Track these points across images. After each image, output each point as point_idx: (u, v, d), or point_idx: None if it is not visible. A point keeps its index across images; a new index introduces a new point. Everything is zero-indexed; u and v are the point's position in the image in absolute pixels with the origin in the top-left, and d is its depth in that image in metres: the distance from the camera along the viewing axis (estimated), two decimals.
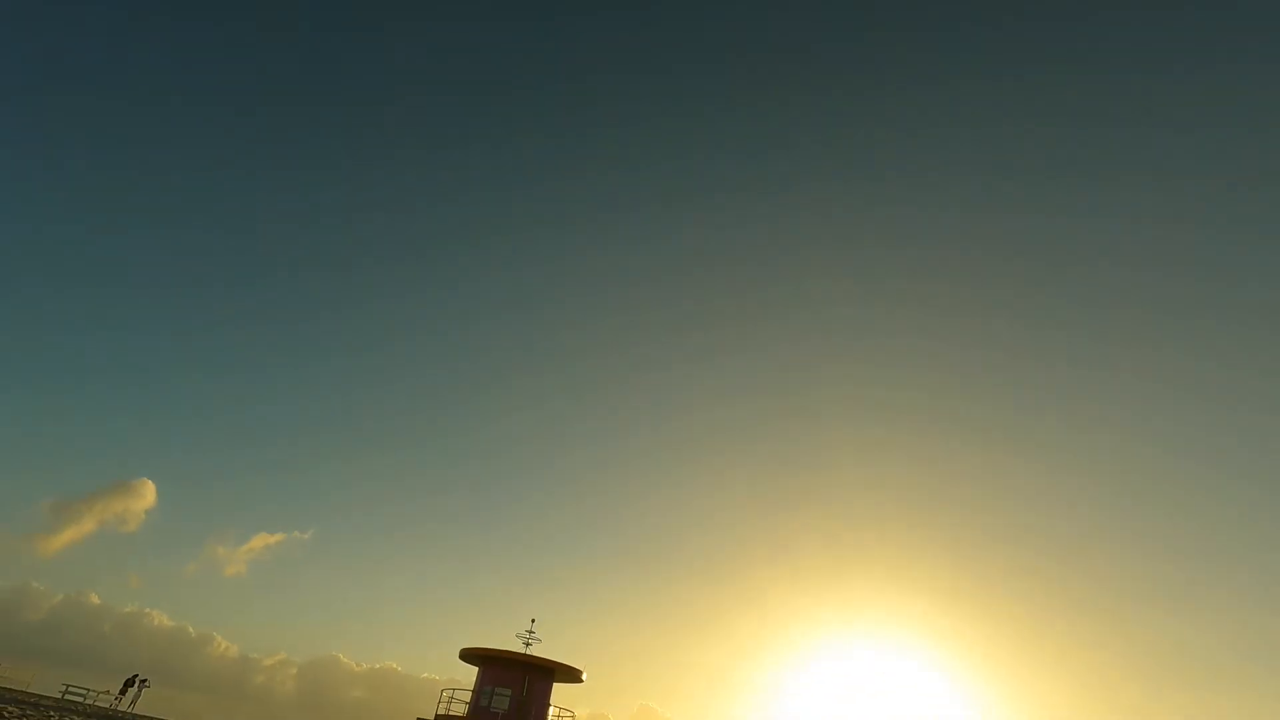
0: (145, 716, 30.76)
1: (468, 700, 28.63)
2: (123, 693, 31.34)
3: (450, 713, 28.31)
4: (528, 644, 29.78)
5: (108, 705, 30.66)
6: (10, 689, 30.48)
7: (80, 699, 30.88)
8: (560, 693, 29.88)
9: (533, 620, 31.51)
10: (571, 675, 29.46)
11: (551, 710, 28.55)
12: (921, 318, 70.37)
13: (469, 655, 29.99)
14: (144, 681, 31.72)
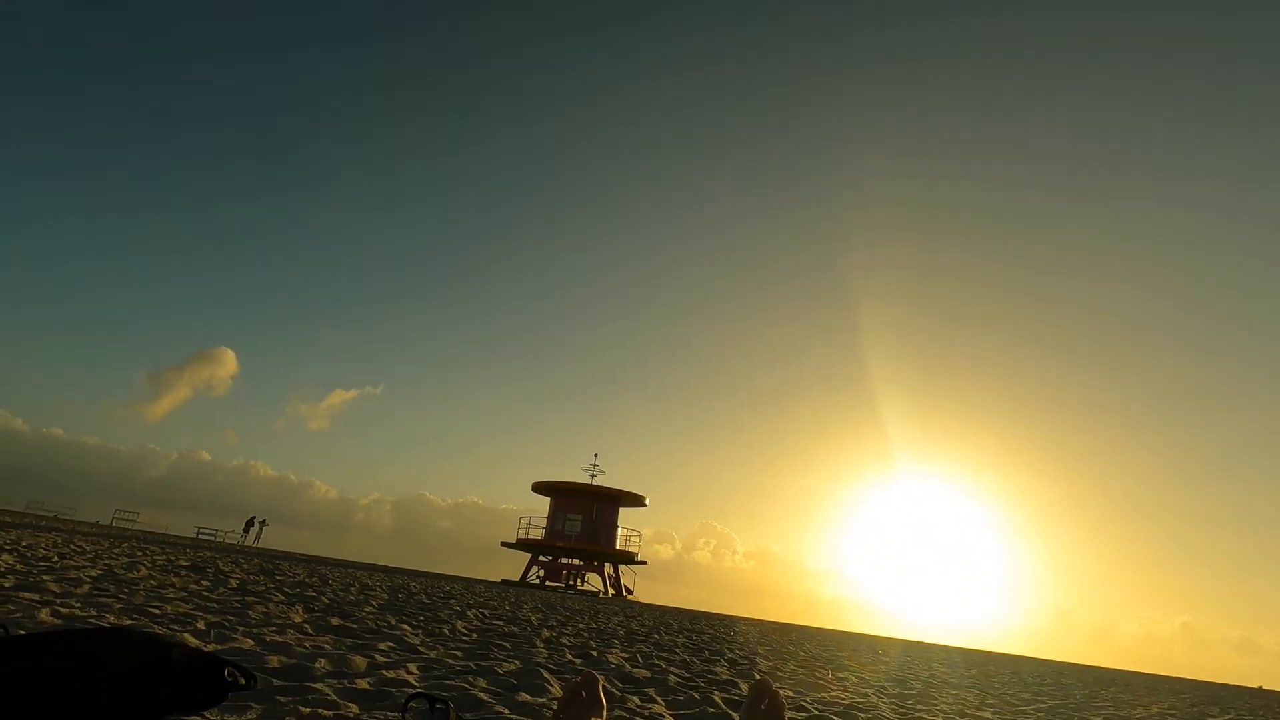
0: (269, 549, 35.47)
1: (543, 526, 32.21)
2: (245, 531, 35.96)
3: (529, 537, 32.01)
4: (593, 475, 32.72)
5: (235, 542, 35.37)
6: (152, 531, 35.21)
7: (211, 537, 35.67)
8: (626, 516, 33.19)
9: (595, 455, 34.35)
10: (635, 500, 32.59)
11: (620, 531, 31.93)
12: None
13: (541, 488, 33.34)
14: (263, 522, 36.22)
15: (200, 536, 36.42)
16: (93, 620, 2.34)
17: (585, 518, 31.56)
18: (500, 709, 1.78)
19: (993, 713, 3.68)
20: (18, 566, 3.93)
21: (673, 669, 3.48)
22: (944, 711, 3.36)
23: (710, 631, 8.87)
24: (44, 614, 2.31)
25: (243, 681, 1.22)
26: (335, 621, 3.45)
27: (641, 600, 31.91)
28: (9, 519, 14.95)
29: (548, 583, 30.08)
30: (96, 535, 12.17)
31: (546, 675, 2.50)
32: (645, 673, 3.17)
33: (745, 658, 5.03)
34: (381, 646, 2.74)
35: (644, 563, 32.71)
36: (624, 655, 3.87)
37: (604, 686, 1.39)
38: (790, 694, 3.09)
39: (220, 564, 7.95)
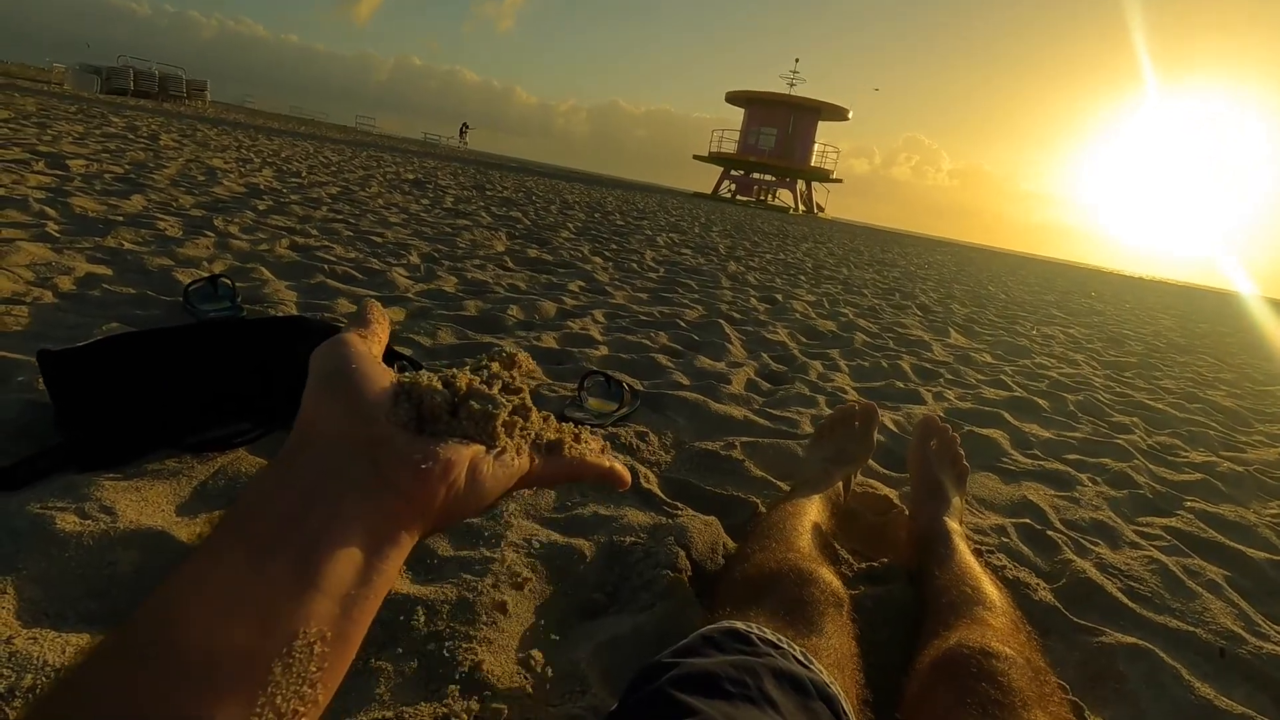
0: (484, 153, 38.64)
1: (736, 140, 31.19)
2: (461, 135, 39.20)
3: (721, 150, 31.45)
4: (791, 84, 29.88)
5: (456, 145, 38.88)
6: (385, 136, 39.35)
7: (436, 140, 39.45)
8: (824, 130, 30.93)
9: (796, 60, 30.79)
10: (836, 114, 29.91)
11: (816, 146, 30.19)
12: None
13: (735, 98, 31.35)
14: (465, 126, 39.18)
15: (426, 139, 40.66)
16: (321, 250, 2.60)
17: (780, 131, 29.91)
18: (677, 378, 1.78)
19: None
20: (274, 184, 4.49)
21: (861, 320, 3.38)
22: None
23: (903, 264, 8.61)
24: (283, 246, 2.59)
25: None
26: (533, 253, 3.65)
27: (833, 217, 31.56)
28: (276, 124, 17.26)
29: (739, 197, 30.38)
30: (342, 143, 13.75)
31: (728, 331, 2.49)
32: (831, 325, 3.10)
33: (939, 304, 4.82)
34: (571, 287, 2.85)
35: (839, 181, 31.45)
36: (809, 300, 3.81)
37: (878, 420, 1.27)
38: (989, 357, 2.90)
39: (439, 177, 8.71)
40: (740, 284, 3.95)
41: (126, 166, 3.92)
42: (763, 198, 29.95)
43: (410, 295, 2.20)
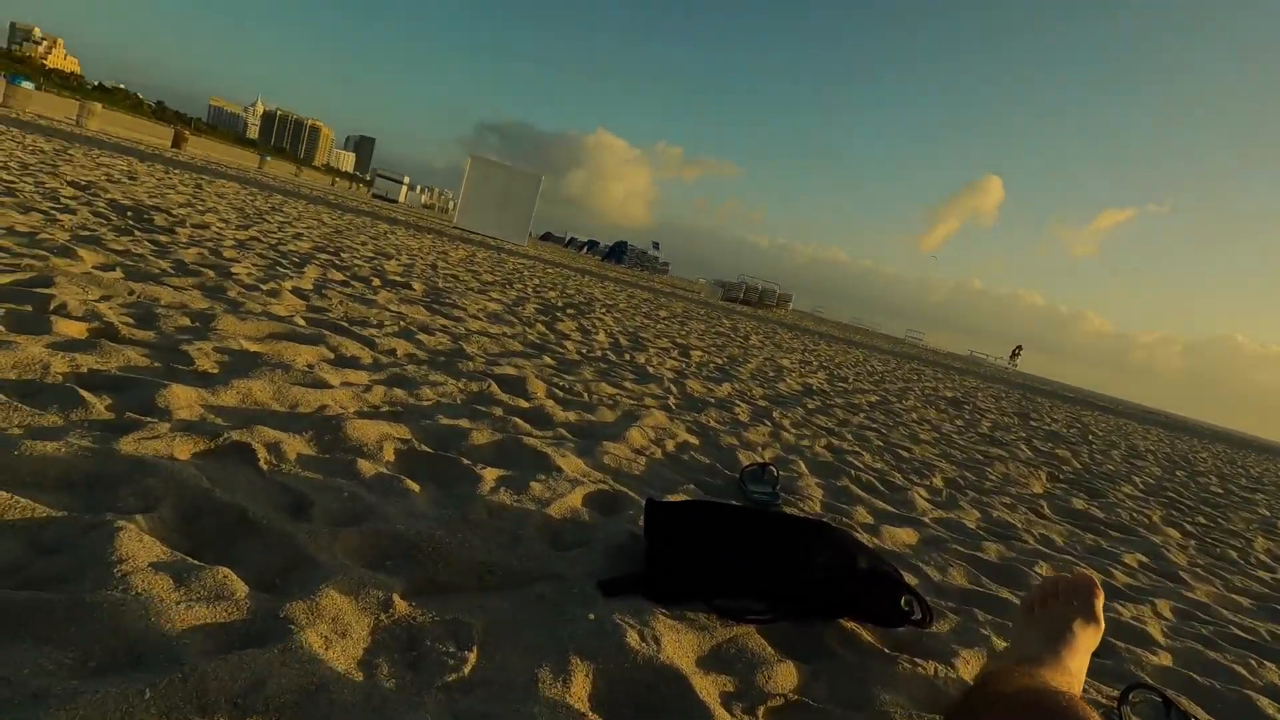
0: (1032, 376, 35.66)
1: None
2: (1013, 357, 37.35)
3: None
4: None
5: (1004, 366, 37.21)
6: (931, 349, 40.44)
7: (982, 359, 38.66)
8: None
9: None
10: None
11: None
12: None
13: None
14: (1019, 348, 37.04)
15: (972, 355, 40.25)
16: (851, 454, 2.81)
17: None
18: None
19: None
20: (824, 386, 5.11)
21: None
22: None
23: None
24: (820, 445, 2.90)
25: (916, 616, 1.20)
26: (1079, 503, 3.15)
27: None
28: (836, 331, 19.82)
29: None
30: (889, 353, 14.78)
31: None
32: None
33: None
34: (1127, 559, 2.33)
35: None
36: None
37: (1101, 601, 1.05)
38: None
39: (979, 398, 8.43)
40: None
41: (724, 359, 5.08)
42: None
43: (926, 520, 2.16)
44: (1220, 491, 5.26)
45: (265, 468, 1.25)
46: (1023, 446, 4.76)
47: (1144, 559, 2.40)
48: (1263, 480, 7.51)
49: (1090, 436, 7.23)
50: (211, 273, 3.01)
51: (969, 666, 1.17)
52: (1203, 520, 3.62)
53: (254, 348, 2.00)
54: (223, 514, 1.04)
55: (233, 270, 3.20)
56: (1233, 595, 2.24)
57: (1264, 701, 1.39)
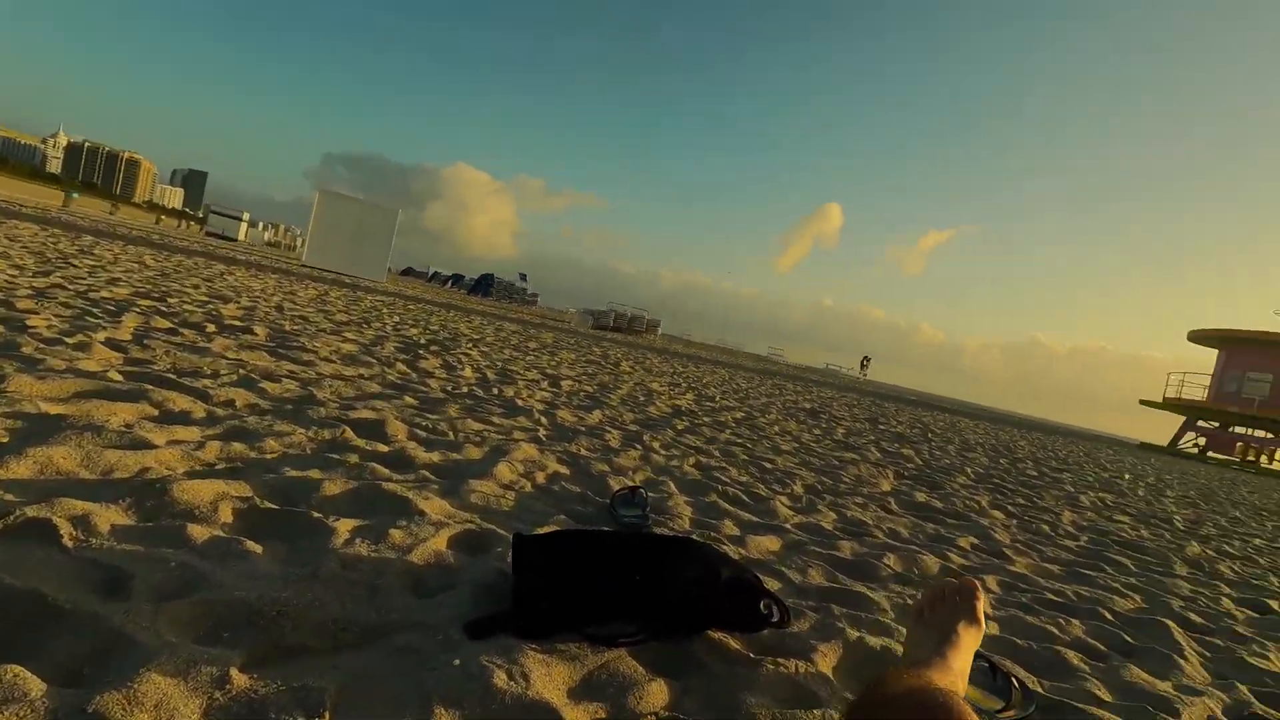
0: (880, 384, 39.01)
1: (1205, 385, 25.47)
2: (862, 367, 40.61)
3: (1182, 397, 25.86)
4: None
5: (856, 376, 40.35)
6: (791, 365, 43.08)
7: (836, 370, 41.80)
8: None
9: None
10: None
11: None
12: None
13: (1204, 337, 26.18)
14: (867, 359, 40.56)
15: (828, 368, 43.49)
16: (719, 470, 2.92)
17: (1278, 378, 23.46)
18: (1092, 688, 1.42)
19: None
20: (693, 407, 5.28)
21: None
22: None
23: None
24: (689, 464, 2.98)
25: (775, 619, 1.27)
26: (921, 496, 3.46)
27: None
28: (704, 353, 20.60)
29: (1209, 454, 24.05)
30: (753, 371, 15.56)
31: (1179, 638, 1.91)
32: None
33: None
34: (961, 543, 2.59)
35: None
36: None
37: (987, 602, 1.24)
38: None
39: (834, 407, 9.07)
40: (1206, 574, 3.04)
41: (594, 387, 5.12)
42: (1253, 459, 23.02)
43: (788, 526, 2.29)
44: (1035, 474, 5.98)
45: (70, 544, 1.10)
46: (873, 449, 5.17)
47: (975, 541, 2.68)
48: (1068, 461, 8.64)
49: (930, 435, 7.98)
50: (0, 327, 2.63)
51: (827, 659, 1.25)
52: (1021, 501, 4.11)
53: (56, 409, 1.77)
54: (12, 603, 0.91)
55: (28, 323, 2.81)
56: (1046, 565, 2.55)
57: (1071, 654, 1.60)
